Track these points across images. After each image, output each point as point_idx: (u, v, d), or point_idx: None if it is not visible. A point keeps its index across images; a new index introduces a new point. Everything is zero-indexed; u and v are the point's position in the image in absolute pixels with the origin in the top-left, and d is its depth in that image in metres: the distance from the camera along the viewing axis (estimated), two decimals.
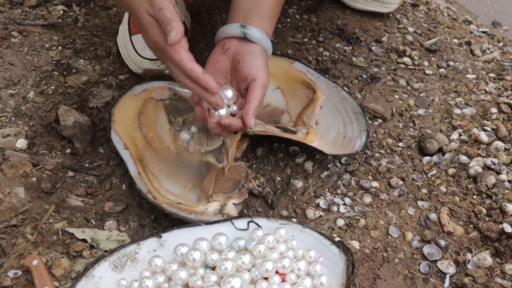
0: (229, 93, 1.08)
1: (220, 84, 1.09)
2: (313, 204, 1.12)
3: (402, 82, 1.44)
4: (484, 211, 1.10)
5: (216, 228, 0.99)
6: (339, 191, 1.15)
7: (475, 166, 1.18)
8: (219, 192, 1.07)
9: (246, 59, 1.08)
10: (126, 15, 1.41)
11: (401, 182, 1.16)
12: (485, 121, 1.30)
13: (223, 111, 1.07)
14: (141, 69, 1.33)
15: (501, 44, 1.69)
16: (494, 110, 1.33)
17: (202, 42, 1.51)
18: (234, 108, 1.09)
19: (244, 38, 1.09)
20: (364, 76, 1.44)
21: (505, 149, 1.22)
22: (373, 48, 1.55)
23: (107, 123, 1.16)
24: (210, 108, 1.06)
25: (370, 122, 1.30)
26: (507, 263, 1.01)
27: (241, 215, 1.06)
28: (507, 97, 1.38)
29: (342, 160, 1.20)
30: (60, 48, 1.41)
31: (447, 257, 1.02)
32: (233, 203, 1.06)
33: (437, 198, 1.13)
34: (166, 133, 1.19)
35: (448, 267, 1.00)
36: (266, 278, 0.92)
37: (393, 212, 1.10)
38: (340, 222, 1.08)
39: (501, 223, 1.06)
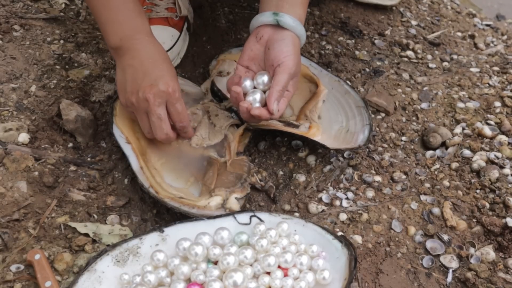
0: (265, 78, 1.09)
1: (255, 72, 1.11)
2: (316, 199, 1.12)
3: (405, 75, 1.43)
4: (487, 205, 1.09)
5: (218, 222, 0.99)
6: (341, 185, 1.14)
7: (479, 160, 1.17)
8: (221, 187, 1.07)
9: (275, 46, 1.08)
10: None
11: (404, 176, 1.16)
12: (488, 115, 1.30)
13: (257, 97, 1.07)
14: None
15: (505, 37, 1.68)
16: (497, 104, 1.33)
17: (204, 36, 1.50)
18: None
19: (277, 26, 1.09)
20: (367, 69, 1.44)
21: (509, 143, 1.22)
22: (376, 41, 1.55)
23: (109, 117, 1.16)
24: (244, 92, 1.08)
25: (373, 116, 1.30)
26: (510, 257, 1.01)
27: (243, 209, 1.06)
28: (511, 91, 1.37)
29: (345, 154, 1.19)
30: (62, 41, 1.41)
31: (450, 252, 1.02)
32: (235, 198, 1.05)
33: (440, 192, 1.12)
34: None
35: (451, 262, 1.00)
36: (268, 273, 0.92)
37: (396, 207, 1.10)
38: (343, 216, 1.08)
39: (504, 217, 1.05)
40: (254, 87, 1.09)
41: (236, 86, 1.07)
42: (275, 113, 1.06)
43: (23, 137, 1.14)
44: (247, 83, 1.09)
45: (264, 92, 1.09)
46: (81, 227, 1.02)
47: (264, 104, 1.08)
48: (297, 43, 1.10)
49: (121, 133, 1.13)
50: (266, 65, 1.10)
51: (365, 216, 1.07)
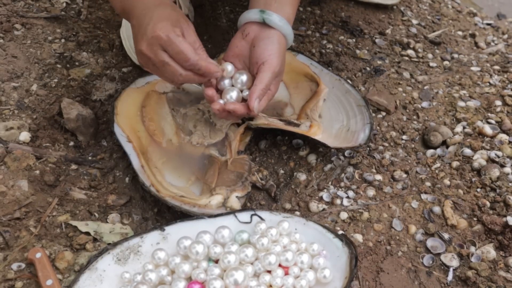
0: (244, 77, 1.09)
1: (239, 68, 1.10)
2: (316, 197, 1.12)
3: (406, 74, 1.43)
4: (488, 204, 1.09)
5: (219, 221, 0.99)
6: (342, 184, 1.14)
7: (479, 159, 1.17)
8: (222, 185, 1.07)
9: (261, 44, 1.07)
10: None
11: (404, 175, 1.16)
12: (489, 114, 1.30)
13: (234, 95, 1.07)
14: None
15: (505, 36, 1.68)
16: (498, 102, 1.33)
17: (205, 35, 1.50)
18: (246, 93, 1.09)
19: (264, 24, 1.08)
20: (368, 68, 1.44)
21: (509, 142, 1.21)
22: (377, 40, 1.55)
23: (110, 116, 1.16)
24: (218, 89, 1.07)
25: (373, 115, 1.30)
26: (511, 256, 1.01)
27: (244, 208, 1.06)
28: None
29: (346, 153, 1.19)
30: (63, 40, 1.41)
31: (450, 250, 1.02)
32: (236, 196, 1.06)
33: (440, 191, 1.12)
34: (169, 126, 1.19)
35: (452, 260, 1.00)
36: (269, 271, 0.92)
37: (396, 205, 1.10)
38: (344, 215, 1.08)
39: (505, 216, 1.05)
40: (232, 85, 1.09)
41: (209, 88, 1.07)
42: (255, 111, 1.05)
43: (24, 135, 1.14)
44: (226, 81, 1.09)
45: (241, 91, 1.09)
46: (82, 226, 1.02)
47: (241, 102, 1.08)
48: (283, 42, 1.10)
49: (122, 132, 1.13)
50: (250, 63, 1.09)
51: (365, 214, 1.07)
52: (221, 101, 1.07)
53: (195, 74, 1.02)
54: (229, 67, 1.08)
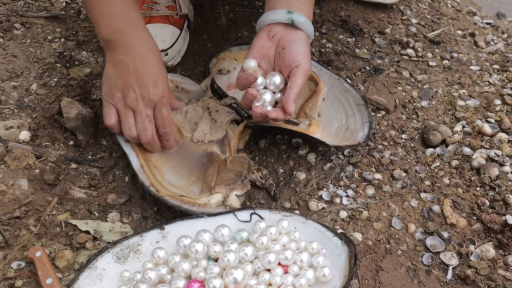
0: (277, 79, 1.10)
1: (264, 69, 1.11)
2: (316, 196, 1.12)
3: (406, 73, 1.43)
4: (487, 203, 1.09)
5: (219, 220, 0.99)
6: (342, 183, 1.14)
7: (479, 158, 1.17)
8: (221, 184, 1.07)
9: (291, 46, 1.08)
10: None
11: (404, 174, 1.16)
12: (488, 113, 1.30)
13: (268, 97, 1.09)
14: None
15: (505, 35, 1.68)
16: (498, 101, 1.33)
17: (204, 34, 1.51)
18: (279, 95, 1.11)
19: (290, 25, 1.09)
20: (367, 67, 1.44)
21: (509, 141, 1.22)
22: (376, 39, 1.55)
23: None
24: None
25: (373, 114, 1.30)
26: (510, 255, 1.01)
27: (243, 207, 1.06)
28: (511, 89, 1.37)
29: (345, 152, 1.19)
30: (62, 40, 1.41)
31: (450, 249, 1.02)
32: (236, 195, 1.06)
33: (440, 190, 1.12)
34: None
35: (451, 259, 1.00)
36: (268, 270, 0.92)
37: (396, 204, 1.10)
38: (343, 214, 1.08)
39: (504, 215, 1.06)
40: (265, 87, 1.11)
41: (253, 89, 1.09)
42: (292, 115, 1.09)
43: (24, 135, 1.15)
44: (259, 81, 1.09)
45: (274, 92, 1.11)
46: (82, 225, 1.02)
47: (274, 105, 1.11)
48: (309, 42, 1.11)
49: None
50: (281, 65, 1.10)
51: (365, 213, 1.08)
52: (257, 104, 1.08)
53: (158, 141, 1.10)
54: (252, 63, 1.09)
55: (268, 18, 1.11)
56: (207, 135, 1.16)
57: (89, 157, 1.17)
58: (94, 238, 1.01)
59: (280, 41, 1.10)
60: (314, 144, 1.21)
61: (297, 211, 1.09)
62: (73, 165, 1.14)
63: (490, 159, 1.17)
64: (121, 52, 1.07)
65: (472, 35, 1.65)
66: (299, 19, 1.08)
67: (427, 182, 1.14)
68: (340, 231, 1.04)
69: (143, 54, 1.07)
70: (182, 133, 1.16)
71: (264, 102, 1.09)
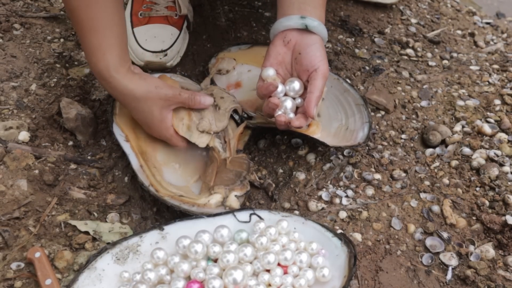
0: (296, 85, 1.11)
1: (282, 76, 1.12)
2: (315, 196, 1.12)
3: (405, 73, 1.43)
4: (487, 203, 1.09)
5: (218, 220, 0.99)
6: (341, 183, 1.14)
7: (478, 158, 1.17)
8: (221, 184, 1.07)
9: (308, 51, 1.09)
10: (128, 7, 1.40)
11: (403, 174, 1.16)
12: (488, 113, 1.30)
13: (289, 105, 1.10)
14: (143, 61, 1.33)
15: (505, 35, 1.68)
16: (497, 101, 1.33)
17: (204, 34, 1.51)
18: (299, 101, 1.12)
19: (303, 29, 1.09)
20: (367, 67, 1.44)
21: (509, 141, 1.21)
22: (376, 39, 1.55)
23: (109, 115, 1.16)
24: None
25: (372, 114, 1.30)
26: (510, 255, 1.01)
27: (243, 207, 1.06)
28: (511, 89, 1.37)
29: (345, 152, 1.19)
30: (62, 40, 1.41)
31: (449, 249, 1.02)
32: (235, 195, 1.06)
33: (439, 190, 1.12)
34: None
35: (451, 259, 1.00)
36: (268, 270, 0.92)
37: (395, 204, 1.10)
38: (343, 214, 1.08)
39: (504, 215, 1.05)
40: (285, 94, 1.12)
41: (274, 98, 1.09)
42: (315, 118, 1.11)
43: (24, 135, 1.14)
44: (279, 89, 1.10)
45: (294, 98, 1.12)
46: (81, 225, 1.02)
47: (295, 111, 1.12)
48: (323, 45, 1.11)
49: (121, 131, 1.13)
50: (299, 70, 1.10)
51: (364, 214, 1.07)
52: (279, 112, 1.10)
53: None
54: (270, 72, 1.10)
55: (282, 25, 1.11)
56: (213, 125, 1.16)
57: (89, 157, 1.17)
58: (94, 239, 1.01)
59: (295, 46, 1.10)
60: (313, 144, 1.21)
61: (296, 212, 1.09)
62: (73, 166, 1.14)
63: (489, 159, 1.17)
64: (113, 92, 1.08)
65: (472, 35, 1.65)
66: (312, 24, 1.08)
67: (427, 182, 1.14)
68: (339, 231, 1.04)
69: (135, 96, 1.06)
70: (193, 119, 1.15)
71: (286, 109, 1.10)
